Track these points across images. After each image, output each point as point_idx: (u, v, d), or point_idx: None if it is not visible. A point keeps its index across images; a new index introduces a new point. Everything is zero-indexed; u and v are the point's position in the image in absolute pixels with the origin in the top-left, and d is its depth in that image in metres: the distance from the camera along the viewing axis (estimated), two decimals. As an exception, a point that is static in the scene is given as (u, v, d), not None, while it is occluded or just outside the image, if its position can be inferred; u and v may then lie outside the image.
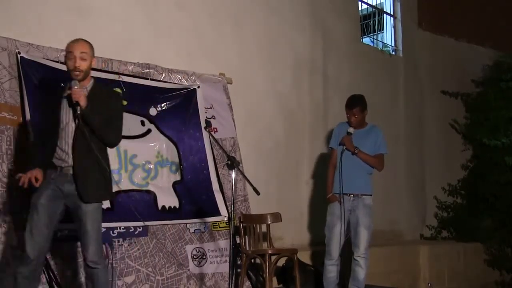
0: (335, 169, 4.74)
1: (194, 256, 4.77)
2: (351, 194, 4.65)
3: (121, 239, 4.41)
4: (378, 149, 4.76)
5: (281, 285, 5.23)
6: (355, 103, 4.78)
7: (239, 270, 4.84)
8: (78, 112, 3.23)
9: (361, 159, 4.66)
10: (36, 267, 3.26)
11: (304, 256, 5.50)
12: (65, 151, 3.29)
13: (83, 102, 3.22)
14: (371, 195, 4.72)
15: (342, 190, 4.57)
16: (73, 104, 3.25)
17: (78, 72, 3.30)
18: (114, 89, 4.63)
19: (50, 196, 3.27)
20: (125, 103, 4.68)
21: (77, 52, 3.32)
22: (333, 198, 4.72)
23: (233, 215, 3.88)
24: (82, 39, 3.43)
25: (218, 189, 5.08)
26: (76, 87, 3.26)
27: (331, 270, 4.67)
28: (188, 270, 4.69)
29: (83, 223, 3.29)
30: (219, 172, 5.15)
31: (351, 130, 4.70)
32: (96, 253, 3.30)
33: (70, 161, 3.28)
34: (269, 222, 4.82)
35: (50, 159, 3.30)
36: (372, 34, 8.07)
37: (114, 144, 3.53)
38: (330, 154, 4.93)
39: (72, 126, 3.30)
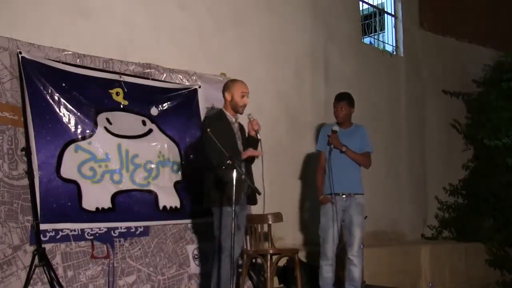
0: (324, 171, 4.75)
1: (195, 256, 4.77)
2: (344, 194, 4.66)
3: (122, 239, 4.41)
4: (364, 147, 4.80)
5: (282, 285, 5.23)
6: (343, 97, 4.87)
7: (240, 270, 4.83)
8: (259, 138, 4.14)
9: (349, 157, 4.69)
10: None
11: (305, 256, 5.50)
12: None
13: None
14: (363, 194, 4.75)
15: (333, 190, 4.58)
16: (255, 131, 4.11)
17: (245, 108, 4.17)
18: (116, 89, 4.67)
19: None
20: (126, 103, 4.72)
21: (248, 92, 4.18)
22: (325, 200, 4.72)
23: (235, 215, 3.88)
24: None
25: (219, 189, 5.08)
26: (252, 118, 4.13)
27: (327, 270, 4.67)
28: (189, 270, 4.69)
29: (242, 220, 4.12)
30: (220, 172, 5.15)
31: (336, 128, 4.73)
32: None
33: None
34: (270, 222, 4.82)
35: None
36: (373, 34, 8.07)
37: None
38: (318, 157, 4.95)
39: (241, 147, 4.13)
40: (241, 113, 4.15)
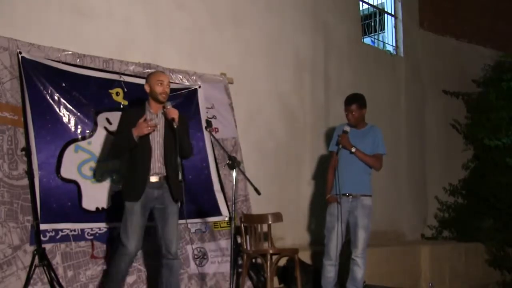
0: (335, 171, 4.69)
1: (195, 256, 4.77)
2: (350, 195, 4.63)
3: (122, 239, 4.40)
4: (376, 148, 4.73)
5: (282, 285, 5.23)
6: (352, 100, 4.78)
7: (240, 270, 4.84)
8: (175, 126, 3.77)
9: (359, 158, 4.64)
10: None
11: (305, 256, 5.51)
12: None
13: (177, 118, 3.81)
14: (370, 195, 4.69)
15: (339, 191, 4.56)
16: (169, 120, 3.81)
17: (165, 95, 3.89)
18: (116, 89, 4.68)
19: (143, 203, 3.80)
20: (126, 103, 4.72)
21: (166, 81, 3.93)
22: (331, 199, 4.70)
23: (234, 215, 3.88)
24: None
25: (219, 189, 5.08)
26: (169, 106, 3.86)
27: (330, 270, 4.66)
28: (189, 270, 4.69)
29: (169, 221, 3.85)
30: (220, 172, 5.16)
31: (347, 128, 4.68)
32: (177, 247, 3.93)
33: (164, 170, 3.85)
34: (270, 222, 4.82)
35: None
36: (373, 34, 8.07)
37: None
38: (331, 157, 4.92)
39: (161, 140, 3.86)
40: (162, 102, 3.86)
